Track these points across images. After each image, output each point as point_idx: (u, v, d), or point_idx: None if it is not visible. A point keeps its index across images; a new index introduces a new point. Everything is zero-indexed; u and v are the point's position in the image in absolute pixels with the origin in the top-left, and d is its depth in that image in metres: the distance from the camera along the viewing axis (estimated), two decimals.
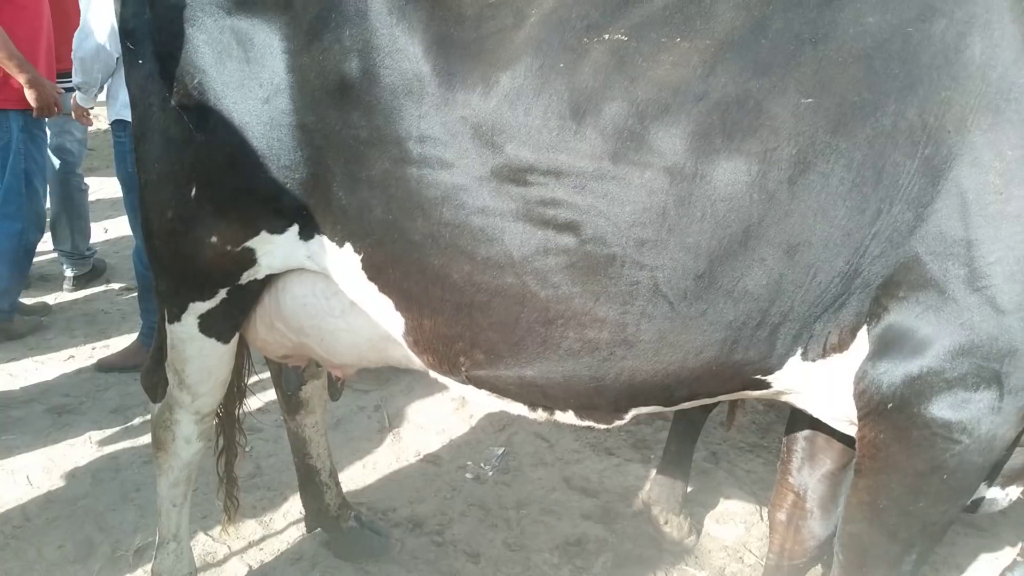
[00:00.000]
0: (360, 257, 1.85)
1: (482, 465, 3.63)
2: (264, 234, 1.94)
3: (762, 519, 3.34)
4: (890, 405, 1.65)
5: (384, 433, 3.85)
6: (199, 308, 2.08)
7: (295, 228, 1.93)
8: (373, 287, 1.87)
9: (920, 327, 1.59)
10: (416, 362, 2.02)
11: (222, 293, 2.06)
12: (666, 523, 3.16)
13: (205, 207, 1.93)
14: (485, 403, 4.17)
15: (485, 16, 1.70)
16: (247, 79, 1.81)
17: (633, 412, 1.91)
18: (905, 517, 1.77)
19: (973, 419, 1.60)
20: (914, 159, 1.52)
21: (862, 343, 1.68)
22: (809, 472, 2.24)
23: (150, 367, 2.37)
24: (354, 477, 3.44)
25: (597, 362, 1.75)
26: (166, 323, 2.16)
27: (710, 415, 3.94)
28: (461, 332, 1.81)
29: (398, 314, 1.88)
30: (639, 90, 1.58)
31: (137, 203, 2.14)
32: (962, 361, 1.57)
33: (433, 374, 2.03)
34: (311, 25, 1.74)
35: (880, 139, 1.52)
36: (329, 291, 2.00)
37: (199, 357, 2.15)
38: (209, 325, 2.10)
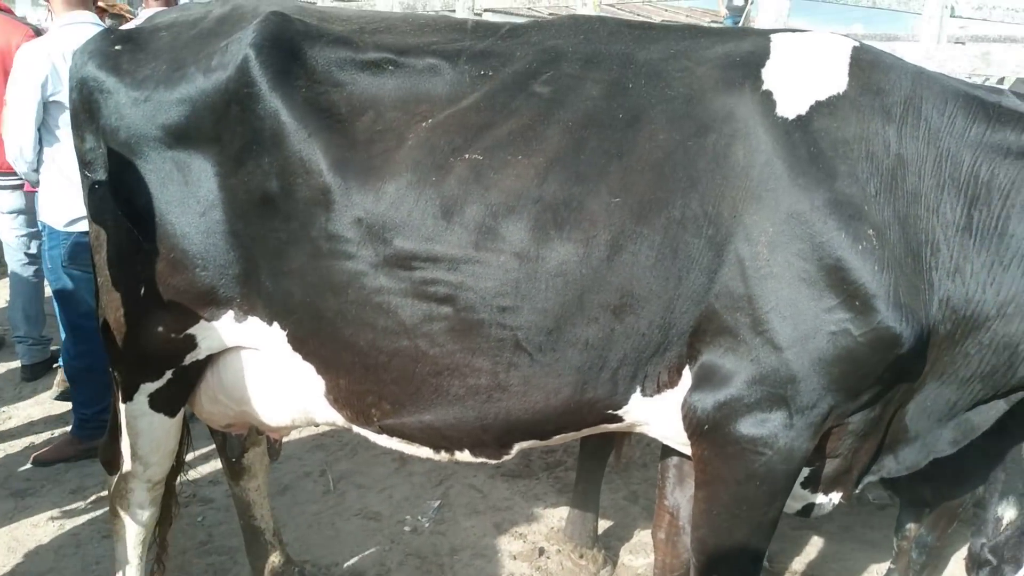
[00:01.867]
0: (286, 333, 2.26)
1: (419, 518, 3.97)
2: (203, 322, 2.34)
3: None
4: (707, 427, 2.09)
5: (328, 495, 4.17)
6: (149, 388, 2.46)
7: (230, 314, 2.33)
8: (298, 356, 2.28)
9: (724, 364, 2.05)
10: (338, 418, 2.41)
11: (168, 374, 2.44)
12: (581, 557, 3.54)
13: (152, 303, 2.33)
14: (423, 461, 4.51)
15: (373, 140, 2.16)
16: (186, 198, 2.24)
17: (516, 447, 2.32)
18: (734, 520, 2.20)
19: (771, 434, 2.05)
20: (700, 238, 2.00)
21: (687, 379, 2.13)
22: (680, 493, 2.66)
23: (107, 443, 2.72)
24: (300, 537, 3.75)
25: (479, 404, 2.17)
26: (120, 402, 2.52)
27: (632, 459, 4.37)
28: (370, 387, 2.23)
29: (319, 377, 2.29)
30: (492, 196, 2.05)
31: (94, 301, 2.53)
32: (756, 388, 2.03)
33: (354, 428, 2.42)
34: (237, 154, 2.18)
35: (673, 225, 2.00)
36: (263, 364, 2.39)
37: (149, 430, 2.52)
38: (158, 402, 2.47)
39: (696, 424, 2.12)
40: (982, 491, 3.14)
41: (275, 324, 2.27)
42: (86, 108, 2.30)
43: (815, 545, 3.90)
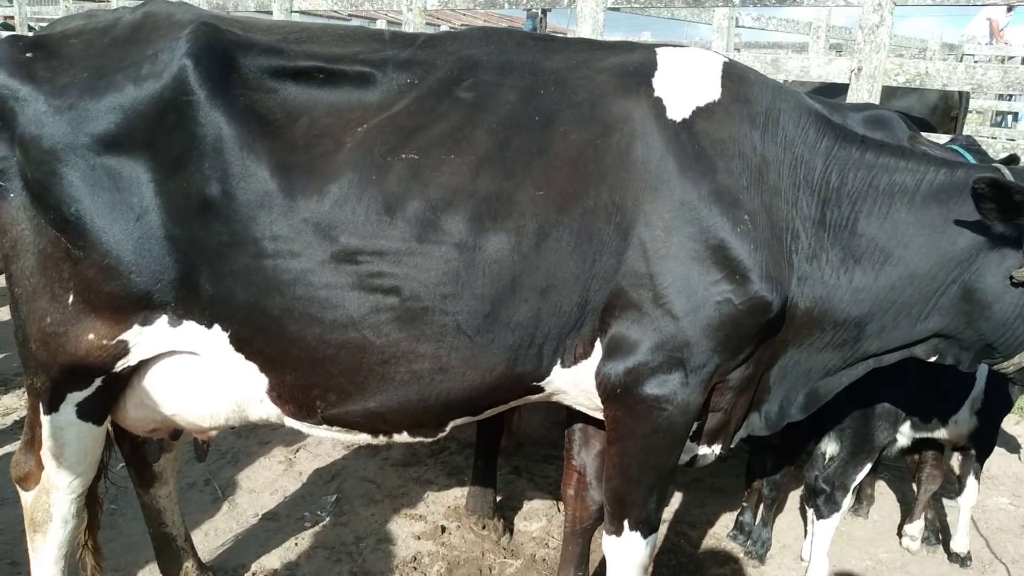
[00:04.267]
0: (228, 334, 2.34)
1: (318, 513, 4.06)
2: (136, 327, 2.37)
3: (559, 511, 4.11)
4: (619, 390, 2.44)
5: (219, 503, 4.14)
6: (76, 397, 2.43)
7: (164, 319, 2.37)
8: (240, 356, 2.37)
9: (630, 334, 2.40)
10: (276, 414, 2.52)
11: (98, 382, 2.43)
12: (483, 527, 3.82)
13: (83, 311, 2.33)
14: (311, 460, 4.58)
15: (312, 144, 2.31)
16: (118, 204, 2.26)
17: (451, 424, 2.56)
18: (643, 468, 2.57)
19: (672, 392, 2.43)
20: (610, 224, 2.34)
21: (598, 351, 2.46)
22: (586, 453, 3.01)
23: (20, 459, 2.63)
24: (199, 547, 3.71)
25: (422, 387, 2.38)
26: (42, 415, 2.47)
27: (524, 436, 4.71)
28: (317, 381, 2.37)
29: (262, 376, 2.39)
30: (430, 192, 2.27)
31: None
32: (658, 354, 2.40)
33: (290, 422, 2.54)
34: (174, 160, 2.25)
35: (588, 214, 2.32)
36: (198, 366, 2.45)
37: (77, 440, 2.49)
38: (86, 411, 2.45)
39: (609, 389, 2.46)
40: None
41: (215, 326, 2.35)
42: None
43: (676, 497, 4.42)
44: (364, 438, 2.58)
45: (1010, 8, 13.62)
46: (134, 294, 2.31)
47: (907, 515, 4.26)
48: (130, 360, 2.42)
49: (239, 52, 2.31)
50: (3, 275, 2.47)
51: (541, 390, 2.54)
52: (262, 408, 2.52)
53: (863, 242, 2.50)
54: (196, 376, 2.47)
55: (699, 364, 2.42)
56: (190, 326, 2.37)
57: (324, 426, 2.51)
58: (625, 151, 2.36)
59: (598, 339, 2.44)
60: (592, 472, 3.00)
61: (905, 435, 3.65)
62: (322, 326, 2.29)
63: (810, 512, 3.69)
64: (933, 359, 2.72)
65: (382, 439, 2.58)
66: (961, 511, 3.98)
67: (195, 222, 2.27)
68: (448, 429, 2.58)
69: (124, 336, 2.37)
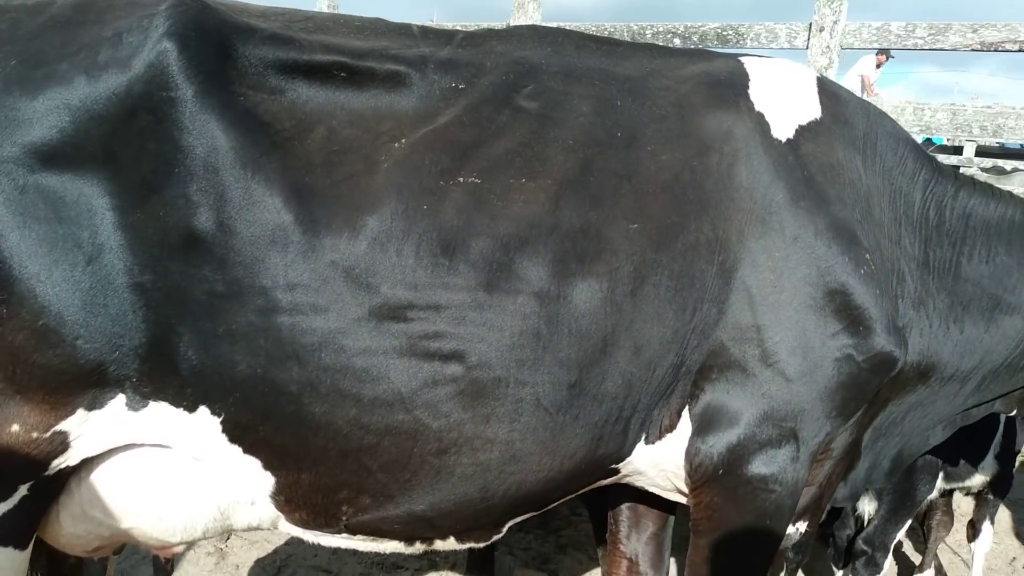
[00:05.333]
0: (220, 419, 1.70)
1: None
2: (80, 412, 1.69)
3: None
4: (720, 471, 1.97)
5: None
6: None
7: (120, 400, 1.70)
8: (235, 450, 1.73)
9: (731, 402, 1.94)
10: (271, 520, 1.88)
11: (23, 489, 1.72)
12: None
13: (4, 392, 1.63)
14: (248, 549, 3.84)
15: (333, 163, 1.73)
16: (60, 241, 1.60)
17: (511, 523, 2.00)
18: (741, 563, 2.09)
19: (781, 470, 1.98)
20: (713, 264, 1.88)
21: (686, 422, 1.98)
22: (636, 538, 2.50)
23: None
24: None
25: (488, 482, 1.81)
26: None
27: None
28: (347, 479, 1.75)
29: (267, 473, 1.75)
30: (500, 226, 1.74)
31: None
32: (766, 425, 1.95)
33: (294, 529, 1.90)
34: (145, 179, 1.61)
35: (690, 251, 1.86)
36: (168, 464, 1.78)
37: None
38: (5, 533, 1.72)
39: (705, 470, 1.98)
40: None
41: (201, 409, 1.70)
42: None
43: None
44: (393, 546, 1.97)
45: (879, 64, 14.35)
46: (80, 367, 1.64)
47: (917, 565, 4.01)
48: (69, 459, 1.73)
49: (237, 37, 1.71)
50: None
51: (617, 472, 2.04)
52: (255, 513, 1.87)
53: (969, 287, 2.18)
54: (165, 477, 1.80)
55: (811, 434, 1.99)
56: (160, 410, 1.71)
57: (344, 535, 1.89)
58: (727, 175, 1.92)
59: (686, 408, 1.97)
60: (647, 560, 2.49)
61: (939, 487, 3.40)
62: (358, 406, 1.70)
63: (839, 574, 3.36)
64: (1012, 413, 2.43)
65: (418, 547, 1.99)
66: (976, 557, 3.80)
67: (174, 265, 1.64)
68: (504, 530, 2.02)
69: (62, 426, 1.68)
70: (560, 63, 1.99)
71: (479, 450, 1.77)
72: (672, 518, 2.52)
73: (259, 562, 3.73)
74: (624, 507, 2.51)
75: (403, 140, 1.77)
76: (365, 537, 1.90)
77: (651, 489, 2.21)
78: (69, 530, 1.86)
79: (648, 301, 1.83)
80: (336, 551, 3.84)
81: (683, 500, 2.16)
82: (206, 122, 1.62)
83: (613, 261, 1.79)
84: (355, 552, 3.82)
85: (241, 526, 1.93)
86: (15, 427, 1.65)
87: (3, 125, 1.57)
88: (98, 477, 1.80)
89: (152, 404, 1.71)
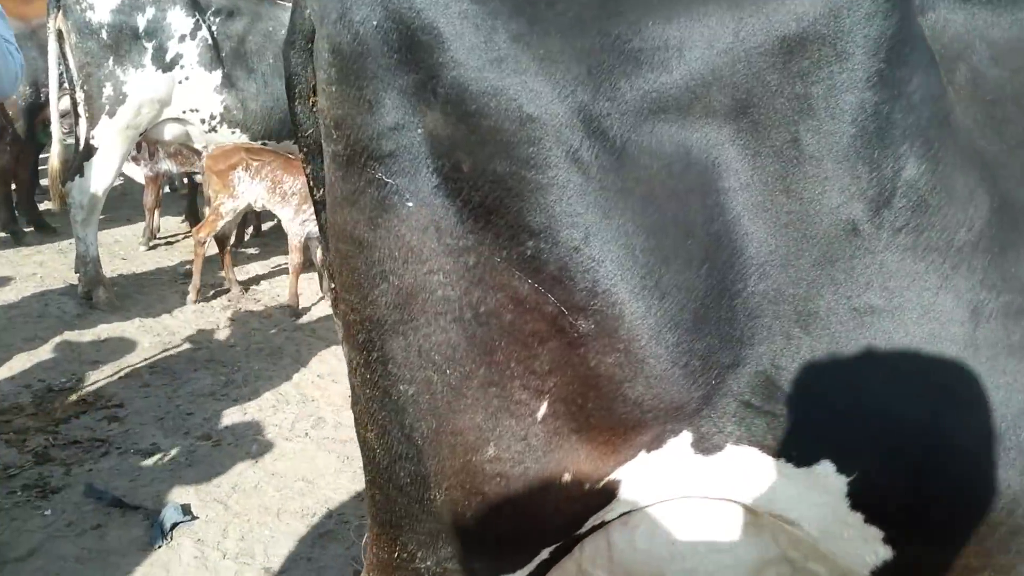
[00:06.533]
0: (847, 479, 1.22)
1: None
2: (642, 455, 1.22)
3: None
4: None
5: None
6: None
7: (686, 438, 1.23)
8: (859, 516, 1.25)
9: None
10: None
11: (544, 554, 1.26)
12: None
13: (560, 432, 1.15)
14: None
15: (995, 118, 1.21)
16: (671, 228, 1.09)
17: None
18: None
19: None
20: None
21: None
22: None
23: None
24: None
25: None
26: None
27: None
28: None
29: (888, 548, 1.28)
30: None
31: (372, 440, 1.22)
32: None
33: None
34: (794, 141, 1.09)
35: None
36: (723, 528, 1.32)
37: None
38: None
39: None
40: None
41: (825, 463, 1.21)
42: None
43: None
44: None
45: None
46: (672, 400, 1.15)
47: None
48: (607, 514, 1.27)
49: None
50: (349, 347, 1.24)
51: None
52: None
53: None
54: (710, 533, 1.34)
55: None
56: (747, 455, 1.23)
57: None
58: None
59: None
60: None
61: None
62: None
63: None
64: None
65: None
66: None
67: (839, 258, 1.13)
68: None
69: (618, 473, 1.21)
70: None
71: None
72: None
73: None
74: None
75: None
76: None
77: None
78: None
79: None
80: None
81: None
82: (918, 62, 1.09)
83: None
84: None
85: None
86: (565, 477, 1.18)
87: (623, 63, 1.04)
88: (619, 531, 1.35)
89: (729, 448, 1.23)
